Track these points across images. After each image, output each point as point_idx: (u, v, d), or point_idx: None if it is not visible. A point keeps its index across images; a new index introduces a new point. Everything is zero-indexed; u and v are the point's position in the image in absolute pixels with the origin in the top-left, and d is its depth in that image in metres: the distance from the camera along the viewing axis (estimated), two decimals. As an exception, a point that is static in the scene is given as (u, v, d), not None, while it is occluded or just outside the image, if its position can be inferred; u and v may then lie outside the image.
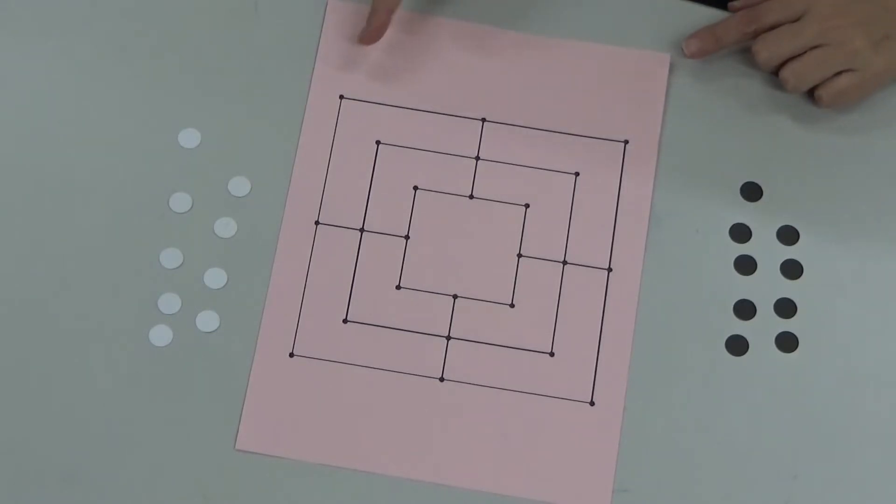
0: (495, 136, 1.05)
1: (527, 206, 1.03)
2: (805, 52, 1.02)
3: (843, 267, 1.02)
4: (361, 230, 1.02)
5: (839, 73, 1.02)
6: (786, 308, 1.01)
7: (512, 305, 1.01)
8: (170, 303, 1.00)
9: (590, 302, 1.01)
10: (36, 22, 1.06)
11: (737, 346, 1.00)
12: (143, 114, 1.04)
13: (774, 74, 1.04)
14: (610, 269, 1.02)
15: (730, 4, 1.07)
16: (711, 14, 1.07)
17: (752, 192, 1.04)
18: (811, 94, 1.04)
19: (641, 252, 1.02)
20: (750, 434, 0.98)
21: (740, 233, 1.03)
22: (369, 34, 1.04)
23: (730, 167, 1.04)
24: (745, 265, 1.02)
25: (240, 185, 1.03)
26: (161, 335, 1.00)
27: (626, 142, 1.05)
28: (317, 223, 1.02)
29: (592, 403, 0.99)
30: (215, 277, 1.01)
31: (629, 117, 1.05)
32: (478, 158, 1.04)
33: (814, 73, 1.03)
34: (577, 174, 1.04)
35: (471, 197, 1.04)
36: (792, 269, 1.02)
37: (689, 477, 0.98)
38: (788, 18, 1.03)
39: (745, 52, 1.06)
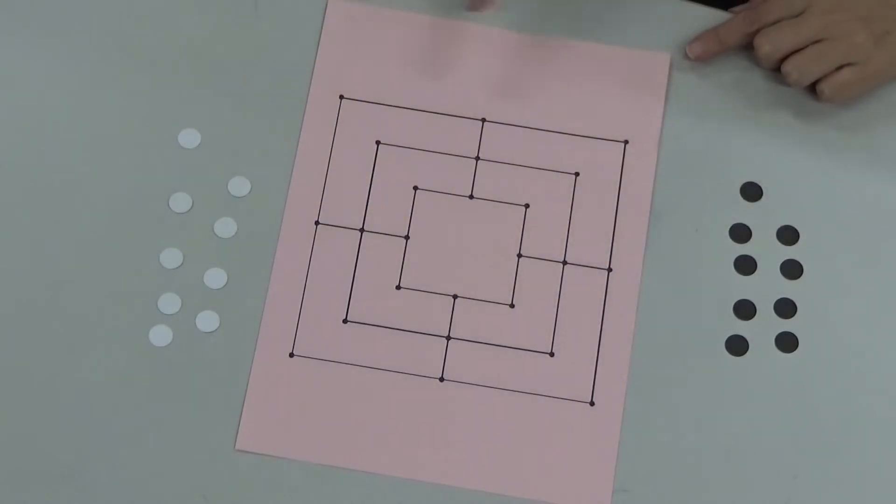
0: (495, 136, 1.05)
1: (527, 206, 1.03)
2: (807, 46, 1.02)
3: (843, 267, 1.02)
4: (361, 230, 1.02)
5: (841, 67, 1.02)
6: (786, 308, 1.01)
7: (512, 305, 1.01)
8: (170, 303, 1.00)
9: (590, 302, 1.01)
10: (36, 22, 1.06)
11: (737, 346, 1.00)
12: (143, 114, 1.04)
13: (775, 71, 1.04)
14: (610, 270, 1.02)
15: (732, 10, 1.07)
16: (712, 14, 1.07)
17: (752, 192, 1.04)
18: (813, 88, 1.04)
19: (641, 252, 1.02)
20: (750, 434, 0.98)
21: (740, 233, 1.03)
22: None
23: (730, 167, 1.04)
24: (745, 265, 1.02)
25: (240, 185, 1.03)
26: (161, 335, 1.00)
27: (626, 142, 1.05)
28: (317, 223, 1.02)
29: (592, 403, 0.99)
30: (215, 277, 1.01)
31: (629, 117, 1.05)
32: (478, 158, 1.04)
33: (815, 66, 1.03)
34: (577, 174, 1.04)
35: (471, 197, 1.04)
36: (792, 269, 1.02)
37: (689, 477, 0.98)
38: (790, 16, 1.03)
39: (746, 53, 1.06)
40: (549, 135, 1.05)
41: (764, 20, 1.03)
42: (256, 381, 0.99)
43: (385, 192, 1.03)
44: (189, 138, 1.04)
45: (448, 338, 1.00)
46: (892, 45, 1.02)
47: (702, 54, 1.05)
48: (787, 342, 1.01)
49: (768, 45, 1.03)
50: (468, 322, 1.01)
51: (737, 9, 1.07)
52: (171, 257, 1.01)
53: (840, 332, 1.01)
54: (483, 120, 1.05)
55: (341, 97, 1.05)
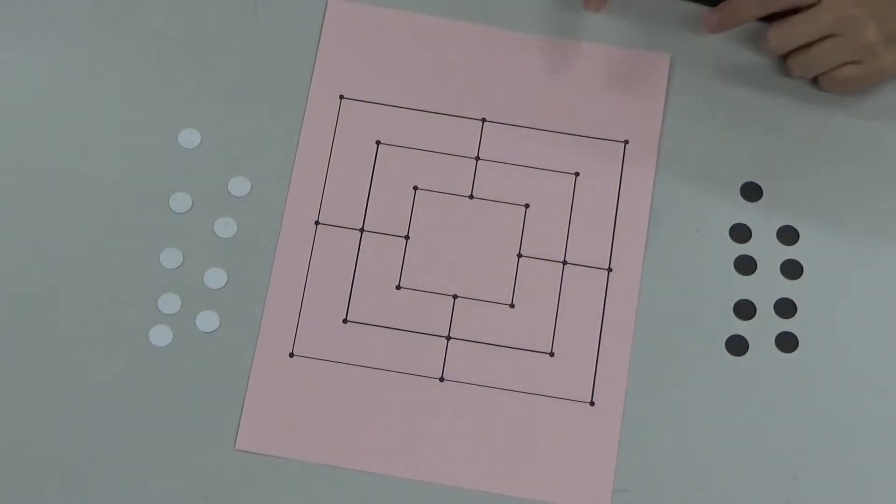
0: (495, 136, 1.05)
1: (527, 206, 1.03)
2: (816, 40, 1.02)
3: (843, 267, 1.02)
4: (361, 230, 1.02)
5: (844, 64, 1.02)
6: (786, 308, 1.01)
7: (512, 305, 1.01)
8: (170, 303, 1.00)
9: (590, 302, 1.01)
10: (36, 22, 1.06)
11: (737, 346, 1.00)
12: (143, 114, 1.04)
13: (779, 59, 1.04)
14: (610, 269, 1.02)
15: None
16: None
17: (752, 192, 1.04)
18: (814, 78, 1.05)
19: (641, 252, 1.02)
20: (750, 434, 0.98)
21: (740, 233, 1.03)
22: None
23: (730, 167, 1.04)
24: (745, 265, 1.02)
25: (240, 185, 1.03)
26: (161, 335, 1.00)
27: (626, 142, 1.05)
28: (317, 223, 1.02)
29: (592, 403, 0.99)
30: (215, 277, 1.01)
31: (629, 117, 1.05)
32: (478, 158, 1.04)
33: (820, 64, 1.02)
34: (577, 174, 1.04)
35: (471, 197, 1.04)
36: (792, 269, 1.02)
37: (689, 477, 0.98)
38: (803, 1, 1.02)
39: (745, 52, 1.06)
40: (549, 135, 1.05)
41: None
42: (256, 381, 0.99)
43: (385, 192, 1.03)
44: (189, 138, 1.04)
45: (448, 338, 1.00)
46: None
47: (717, 26, 1.05)
48: (787, 342, 1.01)
49: (778, 39, 1.03)
50: (468, 322, 1.01)
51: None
52: (171, 257, 1.01)
53: (840, 332, 1.01)
54: (483, 120, 1.05)
55: (341, 97, 1.05)
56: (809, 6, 1.02)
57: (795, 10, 1.02)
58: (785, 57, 1.04)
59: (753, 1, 1.04)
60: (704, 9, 1.06)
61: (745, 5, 1.04)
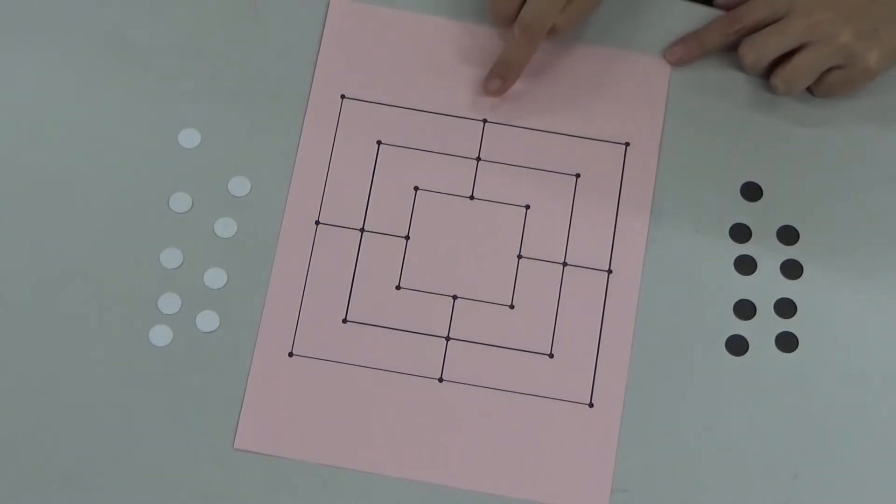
0: (496, 136, 1.05)
1: (527, 207, 1.03)
2: (792, 51, 1.02)
3: (843, 267, 1.02)
4: (361, 230, 1.02)
5: (829, 70, 1.02)
6: (786, 308, 1.01)
7: (511, 307, 1.01)
8: (170, 303, 1.01)
9: (589, 304, 1.01)
10: (36, 22, 1.06)
11: (737, 346, 1.00)
12: (143, 114, 1.04)
13: (762, 77, 1.04)
14: (610, 271, 1.02)
15: (715, 2, 1.07)
16: (713, 15, 1.07)
17: (752, 192, 1.04)
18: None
19: (641, 254, 1.02)
20: (750, 434, 0.98)
21: (740, 233, 1.03)
22: (501, 89, 1.04)
23: (730, 167, 1.04)
24: (745, 265, 1.02)
25: (240, 185, 1.03)
26: (161, 335, 1.00)
27: (627, 144, 1.05)
28: (317, 223, 1.02)
29: (591, 405, 0.99)
30: (215, 277, 1.01)
31: (630, 119, 1.05)
32: (478, 159, 1.04)
33: (804, 77, 1.02)
34: (577, 176, 1.04)
35: (471, 198, 1.04)
36: (792, 269, 1.02)
37: (688, 477, 0.98)
38: (771, 17, 1.02)
39: (746, 53, 1.06)
40: (550, 136, 1.05)
41: (744, 21, 1.03)
42: (256, 381, 0.99)
43: (385, 193, 1.03)
44: (189, 138, 1.04)
45: (447, 338, 1.00)
46: (881, 44, 1.01)
47: (683, 57, 1.05)
48: (787, 342, 1.00)
49: (753, 54, 1.02)
50: (468, 323, 1.01)
51: (719, 1, 1.07)
52: (171, 257, 1.01)
53: (840, 332, 1.01)
54: (484, 121, 1.05)
55: (342, 97, 1.05)
56: (776, 20, 1.02)
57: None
58: (768, 77, 1.04)
59: (718, 28, 1.04)
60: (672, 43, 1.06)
61: (710, 34, 1.04)
